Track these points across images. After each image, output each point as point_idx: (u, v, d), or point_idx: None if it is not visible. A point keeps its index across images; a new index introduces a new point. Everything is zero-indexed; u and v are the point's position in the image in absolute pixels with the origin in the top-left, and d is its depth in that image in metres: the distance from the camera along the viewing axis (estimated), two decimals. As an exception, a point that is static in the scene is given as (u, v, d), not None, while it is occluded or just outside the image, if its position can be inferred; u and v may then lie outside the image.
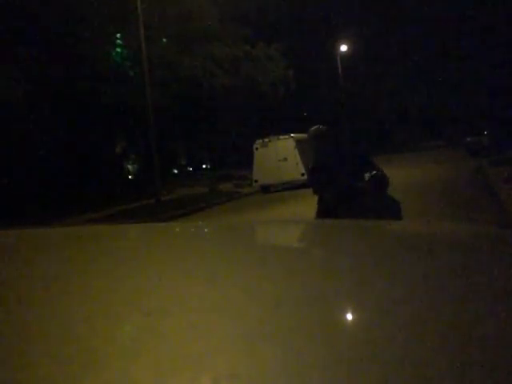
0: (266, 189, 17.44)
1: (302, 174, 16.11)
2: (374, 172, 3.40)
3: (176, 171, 33.20)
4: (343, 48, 34.96)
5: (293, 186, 16.02)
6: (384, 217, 3.08)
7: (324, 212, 3.59)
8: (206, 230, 1.17)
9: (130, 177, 28.77)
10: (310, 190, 3.83)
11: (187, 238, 1.02)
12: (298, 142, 16.86)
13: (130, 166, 30.68)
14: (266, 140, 17.53)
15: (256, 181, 17.71)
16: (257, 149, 17.60)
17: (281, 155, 16.90)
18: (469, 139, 28.93)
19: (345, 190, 3.49)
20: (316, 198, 3.73)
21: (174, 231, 1.16)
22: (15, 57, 15.20)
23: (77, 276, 0.71)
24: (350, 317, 0.56)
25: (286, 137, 17.11)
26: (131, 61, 19.37)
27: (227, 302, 0.57)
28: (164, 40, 20.20)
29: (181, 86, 20.12)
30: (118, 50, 19.99)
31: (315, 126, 3.74)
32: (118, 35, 19.46)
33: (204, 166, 36.16)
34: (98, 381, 0.40)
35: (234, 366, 0.41)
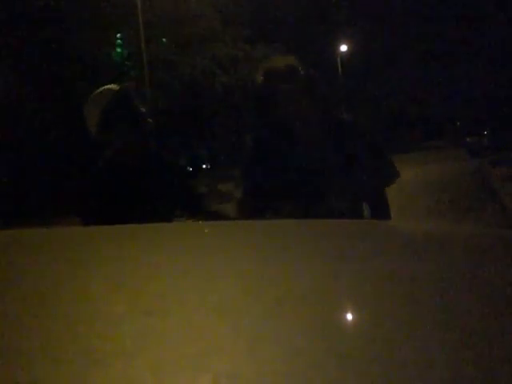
0: None
1: None
2: None
3: (176, 171, 33.04)
4: (343, 48, 34.97)
5: None
6: None
7: None
8: (206, 230, 1.17)
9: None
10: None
11: (187, 238, 1.02)
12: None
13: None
14: None
15: None
16: None
17: None
18: (469, 139, 29.03)
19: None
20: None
21: (174, 231, 1.16)
22: (14, 55, 15.20)
23: (77, 276, 0.71)
24: (350, 316, 0.56)
25: None
26: (131, 61, 19.39)
27: (227, 302, 0.57)
28: (164, 40, 20.21)
29: (181, 86, 20.12)
30: (118, 50, 19.99)
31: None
32: (118, 35, 19.47)
33: (204, 166, 36.09)
34: (98, 381, 0.40)
35: (234, 365, 0.41)
